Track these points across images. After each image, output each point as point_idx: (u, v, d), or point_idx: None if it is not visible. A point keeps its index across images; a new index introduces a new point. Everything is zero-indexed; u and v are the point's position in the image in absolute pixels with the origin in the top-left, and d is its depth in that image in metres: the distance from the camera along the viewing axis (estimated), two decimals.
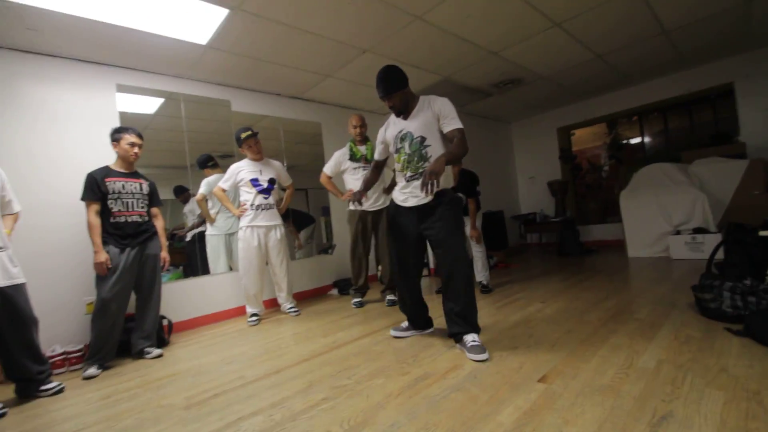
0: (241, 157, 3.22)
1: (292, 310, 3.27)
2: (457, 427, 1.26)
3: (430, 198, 1.98)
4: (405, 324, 2.35)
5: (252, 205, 3.09)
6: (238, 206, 3.19)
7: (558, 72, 4.46)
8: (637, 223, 4.35)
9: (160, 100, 3.29)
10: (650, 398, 1.30)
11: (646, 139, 5.82)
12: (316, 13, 2.66)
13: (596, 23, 3.34)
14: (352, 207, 3.27)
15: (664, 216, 4.14)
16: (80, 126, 2.83)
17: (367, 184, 2.40)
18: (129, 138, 2.48)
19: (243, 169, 3.12)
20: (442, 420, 1.31)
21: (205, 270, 3.41)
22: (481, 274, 3.33)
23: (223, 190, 3.12)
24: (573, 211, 6.01)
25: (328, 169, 3.32)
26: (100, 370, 2.27)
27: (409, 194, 2.07)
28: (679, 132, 5.54)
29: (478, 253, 3.32)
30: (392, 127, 2.15)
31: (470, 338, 1.90)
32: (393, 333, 2.35)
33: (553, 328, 2.17)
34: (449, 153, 1.87)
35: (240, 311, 3.46)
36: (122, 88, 3.05)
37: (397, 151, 2.09)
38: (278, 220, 3.23)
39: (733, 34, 3.89)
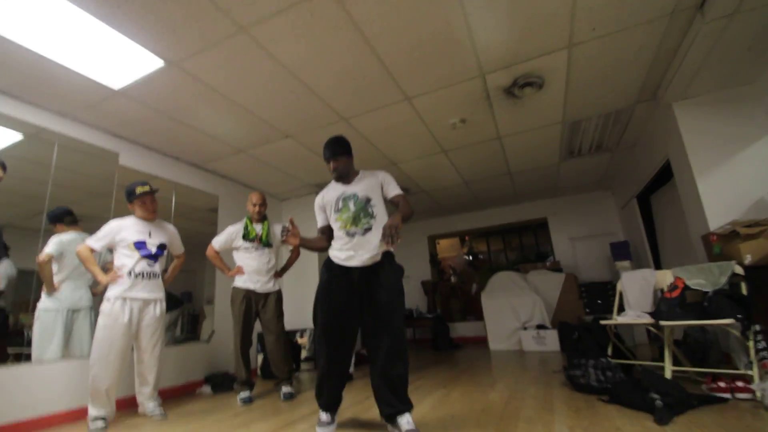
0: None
1: (156, 412, 2.55)
2: None
3: (377, 259, 1.98)
4: (325, 416, 2.04)
5: (131, 272, 2.52)
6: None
7: (435, 189, 5.39)
8: (495, 320, 5.11)
9: (21, 136, 2.66)
10: None
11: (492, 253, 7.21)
12: (255, 89, 2.76)
13: (470, 157, 4.32)
14: (236, 284, 3.03)
15: (515, 314, 5.00)
16: None
17: (314, 242, 2.18)
18: None
19: (127, 228, 2.59)
20: None
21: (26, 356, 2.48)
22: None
23: (92, 251, 2.51)
24: (441, 309, 6.66)
25: (217, 243, 3.08)
26: None
27: (352, 253, 1.99)
28: (512, 249, 7.08)
29: None
30: (331, 192, 2.17)
31: (405, 421, 1.83)
32: (319, 431, 2.01)
33: (465, 409, 2.28)
34: (402, 211, 1.98)
35: (75, 416, 2.52)
36: None
37: (338, 210, 2.08)
38: (161, 294, 2.69)
39: (548, 183, 5.51)
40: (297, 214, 4.96)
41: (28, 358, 2.51)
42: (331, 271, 2.06)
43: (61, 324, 2.68)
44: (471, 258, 7.11)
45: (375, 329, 1.95)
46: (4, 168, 2.01)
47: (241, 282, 3.02)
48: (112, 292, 2.46)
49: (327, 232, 2.16)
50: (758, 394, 1.96)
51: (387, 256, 2.04)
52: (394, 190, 2.13)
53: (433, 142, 3.86)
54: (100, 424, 2.31)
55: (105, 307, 2.44)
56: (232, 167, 4.06)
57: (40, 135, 2.75)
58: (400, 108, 3.15)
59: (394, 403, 1.87)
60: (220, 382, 3.37)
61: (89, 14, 1.99)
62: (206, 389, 3.39)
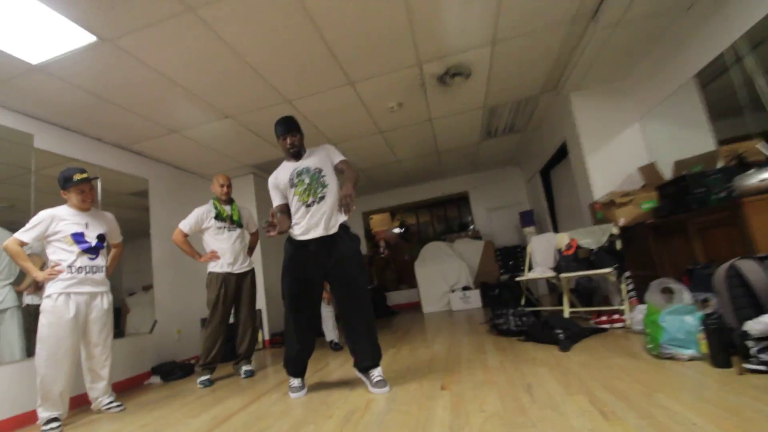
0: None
1: (113, 405, 2.51)
2: (413, 429, 1.50)
3: (334, 230, 2.15)
4: (297, 382, 2.27)
5: (71, 267, 2.38)
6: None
7: (371, 167, 5.65)
8: (427, 286, 5.66)
9: None
10: (513, 380, 1.92)
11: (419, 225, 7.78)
12: (197, 69, 2.69)
13: (403, 137, 4.63)
14: (213, 269, 3.01)
15: (444, 279, 5.60)
16: None
17: (285, 225, 2.22)
18: None
19: (63, 220, 2.40)
20: (398, 430, 1.52)
21: None
22: (331, 333, 3.57)
23: (22, 244, 2.30)
24: (377, 280, 7.09)
25: (185, 226, 2.99)
26: None
27: (310, 225, 2.14)
28: (439, 221, 7.73)
29: (328, 313, 3.59)
30: (284, 171, 2.27)
31: (376, 373, 2.12)
32: (291, 395, 2.23)
33: (416, 361, 2.67)
34: (351, 178, 2.13)
35: (17, 422, 2.37)
36: None
37: (294, 185, 2.20)
38: (105, 287, 2.57)
39: (469, 160, 6.10)
40: (235, 195, 4.83)
41: None
42: (292, 246, 2.21)
43: None
44: (402, 231, 7.62)
45: (347, 296, 2.18)
46: None
47: (217, 267, 2.98)
48: (53, 289, 2.30)
49: (285, 210, 2.26)
50: (628, 322, 2.64)
51: (343, 227, 2.21)
52: (338, 157, 2.29)
53: (371, 124, 4.07)
54: (54, 425, 2.21)
55: (47, 304, 2.29)
56: (162, 148, 3.82)
57: None
58: (344, 91, 3.29)
59: (373, 357, 2.15)
60: (170, 371, 3.34)
61: None
62: (155, 380, 3.33)
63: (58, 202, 2.48)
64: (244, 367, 3.01)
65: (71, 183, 2.42)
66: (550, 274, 3.37)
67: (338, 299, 2.22)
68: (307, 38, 2.52)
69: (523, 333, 2.83)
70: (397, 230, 7.92)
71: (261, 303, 4.65)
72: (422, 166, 6.03)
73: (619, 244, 3.08)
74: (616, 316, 2.78)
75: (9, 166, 2.76)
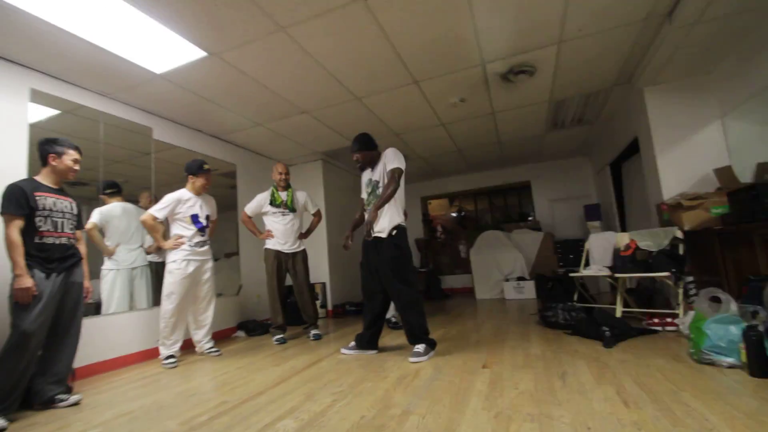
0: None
1: (213, 350, 3.14)
2: (454, 396, 1.79)
3: (381, 235, 2.61)
4: (351, 344, 2.81)
5: (190, 240, 3.02)
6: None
7: (431, 156, 5.83)
8: (481, 273, 5.82)
9: (72, 116, 2.95)
10: (550, 367, 2.12)
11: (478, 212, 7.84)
12: (283, 76, 3.09)
13: (465, 128, 4.74)
14: (267, 246, 3.51)
15: (498, 268, 5.71)
16: None
17: (358, 221, 2.90)
18: (73, 154, 2.27)
19: (186, 202, 3.04)
20: (441, 395, 1.82)
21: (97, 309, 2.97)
22: (391, 311, 3.95)
23: (155, 219, 2.94)
24: (432, 263, 7.37)
25: (249, 209, 3.54)
26: (7, 423, 1.83)
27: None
28: (497, 209, 7.71)
29: None
30: (365, 176, 2.85)
31: (415, 347, 2.53)
32: (342, 351, 2.79)
33: (463, 341, 2.93)
34: (380, 198, 2.59)
35: (143, 356, 3.08)
36: (37, 96, 2.68)
37: (366, 192, 2.79)
38: (210, 255, 3.21)
39: (533, 150, 6.01)
40: (303, 177, 5.38)
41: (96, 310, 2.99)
42: (364, 242, 2.73)
43: (123, 281, 3.16)
44: (461, 217, 7.75)
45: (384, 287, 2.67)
46: (80, 152, 2.35)
47: (271, 244, 3.51)
48: (177, 256, 2.97)
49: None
50: (680, 326, 2.65)
51: (390, 233, 2.61)
52: (389, 165, 2.65)
53: (433, 117, 4.26)
54: (171, 360, 2.87)
55: (172, 266, 2.96)
56: (248, 138, 4.39)
57: (78, 111, 3.00)
58: (409, 89, 3.52)
59: (410, 334, 2.59)
60: (253, 328, 3.96)
61: (147, 15, 2.27)
62: (241, 334, 3.98)
63: (169, 179, 3.14)
64: (313, 331, 3.50)
65: (201, 171, 3.10)
66: (606, 272, 3.38)
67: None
68: (377, 46, 2.78)
69: (570, 327, 2.95)
70: (454, 215, 8.05)
71: (325, 277, 5.17)
72: (483, 155, 6.08)
73: (681, 249, 3.02)
74: (669, 320, 2.78)
75: (131, 151, 3.43)
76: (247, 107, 3.60)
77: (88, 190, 3.07)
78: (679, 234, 3.04)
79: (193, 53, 2.68)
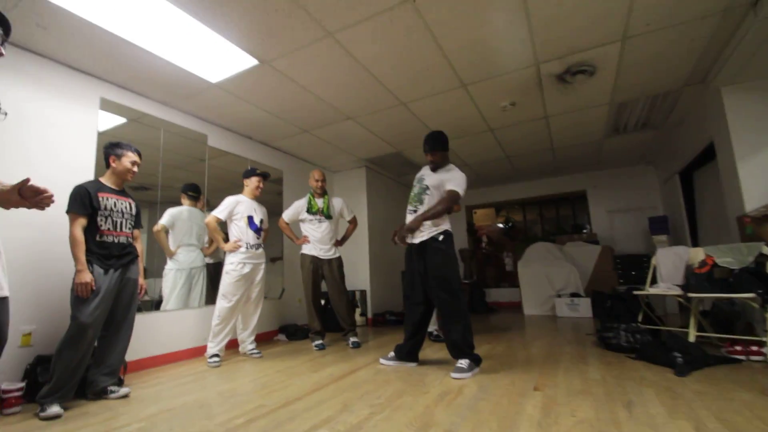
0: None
1: (255, 351, 3.18)
2: (502, 419, 1.63)
3: (423, 237, 2.52)
4: (391, 354, 2.71)
5: (246, 244, 3.13)
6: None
7: (477, 163, 5.64)
8: (530, 288, 5.49)
9: (137, 124, 3.16)
10: (612, 394, 1.90)
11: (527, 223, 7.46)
12: (330, 82, 3.11)
13: (515, 134, 4.53)
14: (304, 251, 3.53)
15: (549, 283, 5.35)
16: (52, 134, 2.57)
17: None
18: (132, 156, 2.40)
19: (242, 203, 3.17)
20: (487, 417, 1.67)
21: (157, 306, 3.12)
22: (433, 324, 3.80)
23: (218, 221, 3.09)
24: (477, 275, 7.10)
25: (286, 215, 3.59)
26: (62, 411, 1.93)
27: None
28: (549, 220, 7.30)
29: None
30: (420, 173, 2.79)
31: (458, 362, 2.39)
32: (381, 361, 2.70)
33: (511, 359, 2.73)
34: (428, 210, 2.48)
35: (191, 353, 3.19)
36: (106, 105, 2.89)
37: (413, 187, 2.73)
38: (264, 258, 3.29)
39: (590, 157, 5.63)
40: (346, 184, 5.42)
41: (148, 303, 3.14)
42: (408, 246, 2.66)
43: (184, 281, 3.32)
44: (508, 228, 7.42)
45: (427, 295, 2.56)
46: (140, 155, 2.50)
47: (307, 250, 3.53)
48: (235, 258, 3.08)
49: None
50: None
51: (434, 238, 2.51)
52: (448, 185, 2.53)
53: (481, 122, 4.11)
54: (216, 359, 2.93)
55: (230, 268, 3.07)
56: (295, 145, 4.49)
57: (142, 120, 3.21)
58: (456, 94, 3.42)
59: (452, 349, 2.45)
60: (293, 332, 3.99)
61: (204, 24, 2.38)
62: (282, 337, 4.03)
63: (221, 185, 3.27)
64: (352, 339, 3.45)
65: (254, 173, 3.28)
66: (677, 291, 3.03)
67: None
68: (425, 49, 2.72)
69: (634, 351, 2.66)
70: (500, 226, 7.72)
71: (365, 284, 5.12)
72: (534, 162, 5.78)
73: None
74: (755, 348, 2.41)
75: (187, 157, 3.61)
76: (294, 114, 3.68)
77: (152, 194, 3.26)
78: (767, 250, 2.65)
79: (246, 62, 2.77)
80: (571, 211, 6.99)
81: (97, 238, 2.22)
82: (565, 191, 6.62)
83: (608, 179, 6.26)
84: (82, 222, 2.17)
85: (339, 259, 3.61)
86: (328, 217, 3.58)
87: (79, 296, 2.07)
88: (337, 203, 3.68)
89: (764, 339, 2.41)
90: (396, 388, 2.14)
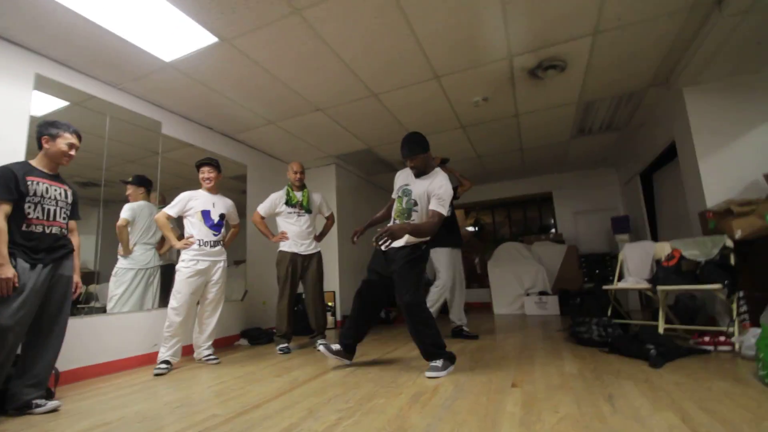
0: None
1: (211, 357, 2.90)
2: (482, 419, 1.51)
3: (401, 243, 2.32)
4: (336, 347, 2.54)
5: (199, 240, 2.85)
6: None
7: (449, 163, 5.59)
8: (500, 287, 5.48)
9: (80, 109, 2.84)
10: (592, 388, 1.82)
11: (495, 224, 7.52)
12: (296, 66, 2.92)
13: (486, 132, 4.52)
14: (282, 248, 3.30)
15: (519, 282, 5.37)
16: None
17: (375, 221, 2.71)
18: (69, 138, 2.10)
19: (196, 199, 2.90)
20: (465, 416, 1.54)
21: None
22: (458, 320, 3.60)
23: (169, 218, 2.81)
24: None
25: (262, 209, 3.34)
26: None
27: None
28: (516, 222, 7.39)
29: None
30: (402, 178, 2.51)
31: (432, 361, 2.27)
32: (319, 346, 2.56)
33: (488, 355, 2.64)
34: (415, 227, 2.23)
35: (142, 360, 2.87)
36: (42, 83, 2.56)
37: (398, 198, 2.46)
38: (224, 256, 3.02)
39: (556, 159, 5.73)
40: (315, 182, 5.20)
41: (101, 310, 2.80)
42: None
43: (139, 281, 3.01)
44: (477, 229, 7.44)
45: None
46: (80, 137, 2.20)
47: (286, 246, 3.29)
48: (187, 255, 2.81)
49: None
50: (737, 345, 2.31)
51: (408, 246, 2.32)
52: (434, 206, 2.29)
53: (453, 118, 4.05)
54: (164, 366, 2.64)
55: (182, 266, 2.80)
56: (260, 137, 4.24)
57: (87, 103, 2.89)
58: (429, 86, 3.33)
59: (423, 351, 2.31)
60: (257, 336, 3.72)
61: None
62: (244, 342, 3.75)
63: (178, 181, 2.96)
64: (320, 342, 3.23)
65: (201, 163, 3.03)
66: (645, 285, 3.06)
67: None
68: (397, 33, 2.60)
69: (606, 344, 2.63)
70: (470, 228, 7.74)
71: (335, 285, 4.93)
72: (503, 164, 5.82)
73: (732, 259, 2.69)
74: (722, 338, 2.44)
75: (140, 149, 3.29)
76: (258, 102, 3.45)
77: (98, 191, 2.92)
78: (730, 243, 2.72)
79: (204, 38, 2.54)
80: (538, 212, 7.12)
81: (24, 228, 1.92)
82: (532, 192, 6.73)
83: (573, 181, 6.42)
84: (5, 209, 1.87)
85: (319, 255, 3.42)
86: (308, 210, 3.38)
87: None
88: (316, 197, 3.50)
89: (731, 329, 2.45)
90: (366, 390, 1.98)
